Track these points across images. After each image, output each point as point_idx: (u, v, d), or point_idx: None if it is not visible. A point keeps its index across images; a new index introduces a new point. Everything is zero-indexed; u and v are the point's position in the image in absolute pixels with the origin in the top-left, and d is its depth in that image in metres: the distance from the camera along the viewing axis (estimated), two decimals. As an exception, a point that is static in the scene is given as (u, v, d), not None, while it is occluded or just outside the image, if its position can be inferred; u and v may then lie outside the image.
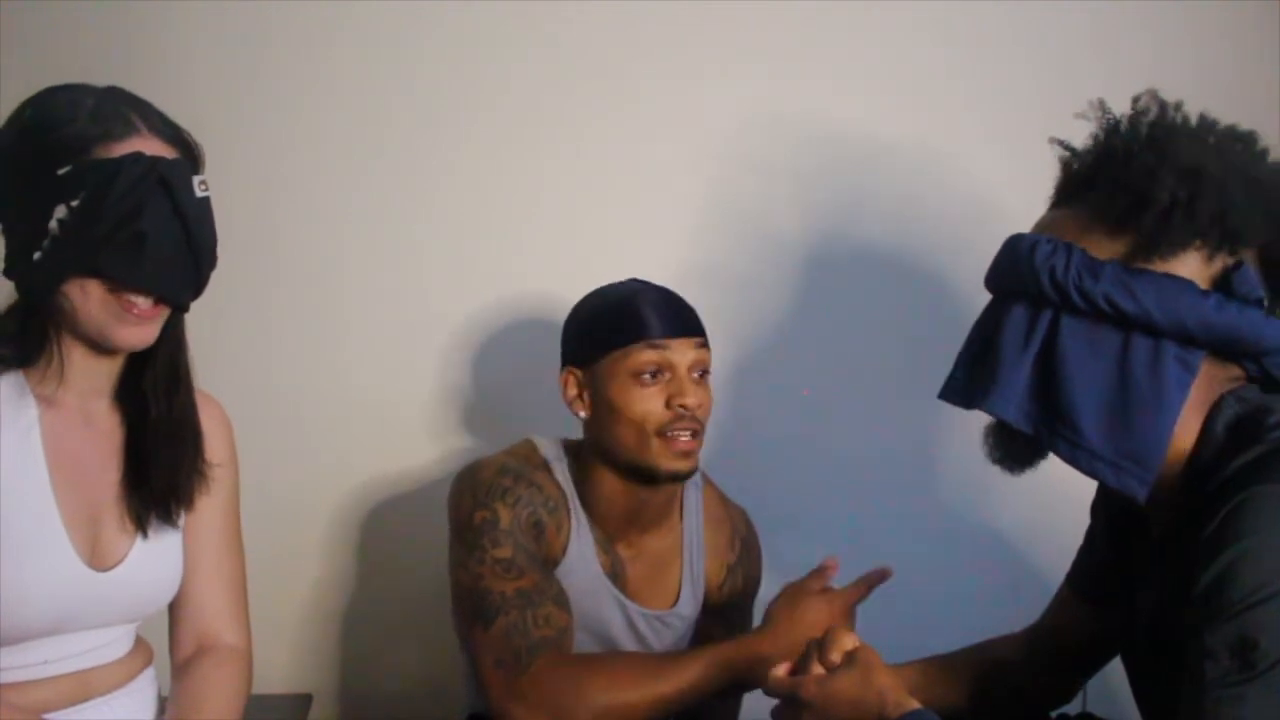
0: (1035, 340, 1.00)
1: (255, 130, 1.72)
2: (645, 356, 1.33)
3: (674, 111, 1.78)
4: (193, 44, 1.70)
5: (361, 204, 1.75)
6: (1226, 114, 1.82)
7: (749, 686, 1.30)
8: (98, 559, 1.05)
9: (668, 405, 1.32)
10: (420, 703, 1.79)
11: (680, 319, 1.36)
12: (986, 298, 1.10)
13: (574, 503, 1.39)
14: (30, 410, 1.03)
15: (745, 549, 1.53)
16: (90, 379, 1.07)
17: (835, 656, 1.06)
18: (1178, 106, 1.04)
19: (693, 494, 1.49)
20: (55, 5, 1.67)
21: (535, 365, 1.74)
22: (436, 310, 1.77)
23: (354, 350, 1.76)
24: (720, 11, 1.76)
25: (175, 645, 1.19)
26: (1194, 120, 1.02)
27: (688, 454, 1.34)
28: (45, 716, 1.03)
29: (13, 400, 1.02)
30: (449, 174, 1.76)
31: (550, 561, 1.36)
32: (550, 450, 1.43)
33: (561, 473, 1.40)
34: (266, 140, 1.72)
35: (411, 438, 1.79)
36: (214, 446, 1.18)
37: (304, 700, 1.63)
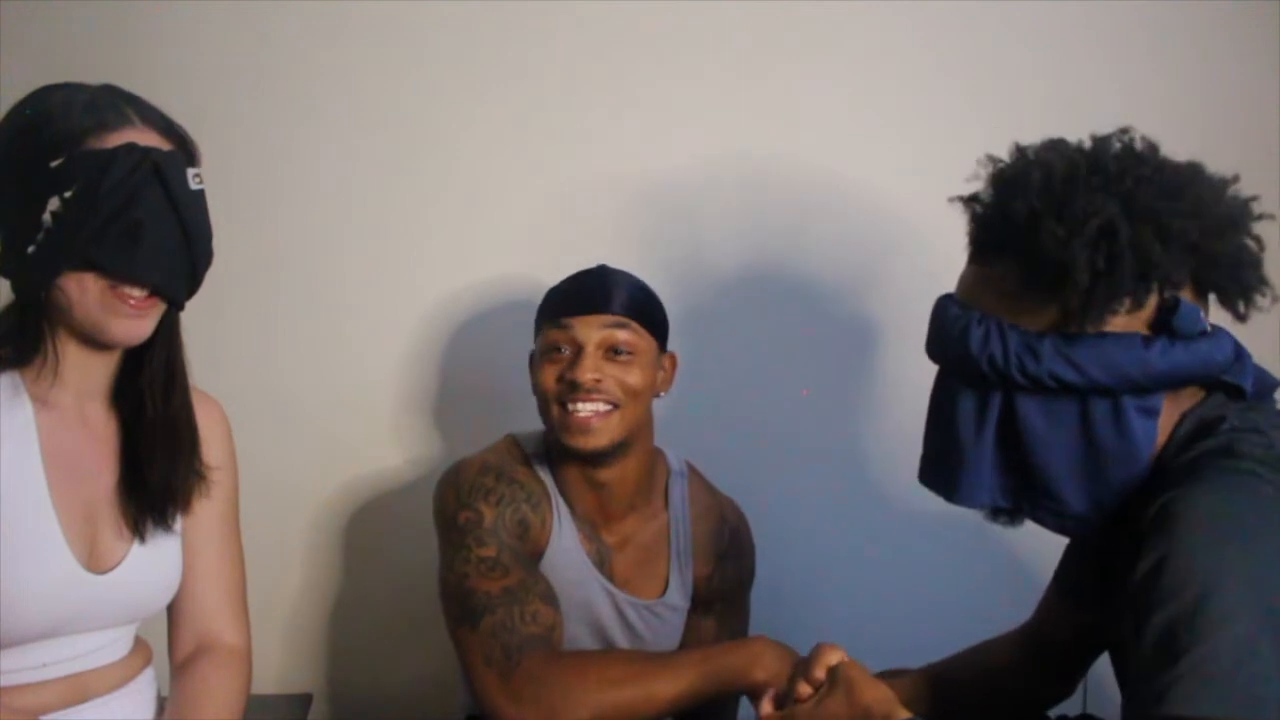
0: (991, 421, 0.98)
1: (254, 130, 1.72)
2: (551, 335, 1.38)
3: (673, 111, 1.77)
4: (192, 43, 1.70)
5: (359, 204, 1.75)
6: (1227, 113, 1.85)
7: (741, 693, 1.30)
8: (95, 561, 1.05)
9: (561, 379, 1.36)
10: (420, 703, 1.79)
11: (590, 298, 1.38)
12: None
13: (555, 494, 1.41)
14: (26, 410, 1.03)
15: (735, 539, 1.53)
16: (86, 378, 1.07)
17: (820, 673, 1.05)
18: (1079, 147, 1.00)
19: (678, 484, 1.50)
20: (55, 5, 1.67)
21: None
22: (435, 309, 1.77)
23: (354, 349, 1.76)
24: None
25: (174, 645, 1.19)
26: (1110, 148, 0.99)
27: (584, 430, 1.34)
28: (43, 718, 1.03)
29: (8, 400, 1.02)
30: (447, 173, 1.76)
31: (536, 556, 1.37)
32: (530, 444, 1.45)
33: (541, 466, 1.42)
34: (264, 140, 1.72)
35: (411, 437, 1.79)
36: (213, 448, 1.18)
37: (303, 700, 1.63)
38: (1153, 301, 0.93)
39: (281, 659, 1.77)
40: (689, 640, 1.49)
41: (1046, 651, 1.24)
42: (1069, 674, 1.27)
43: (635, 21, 1.76)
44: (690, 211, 1.78)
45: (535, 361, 1.41)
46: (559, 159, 1.77)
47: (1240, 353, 0.99)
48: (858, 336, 1.79)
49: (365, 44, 1.74)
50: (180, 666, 1.17)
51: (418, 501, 1.73)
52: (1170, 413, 0.97)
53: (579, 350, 1.36)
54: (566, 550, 1.39)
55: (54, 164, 0.98)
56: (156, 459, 1.10)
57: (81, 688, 1.07)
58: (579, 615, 1.39)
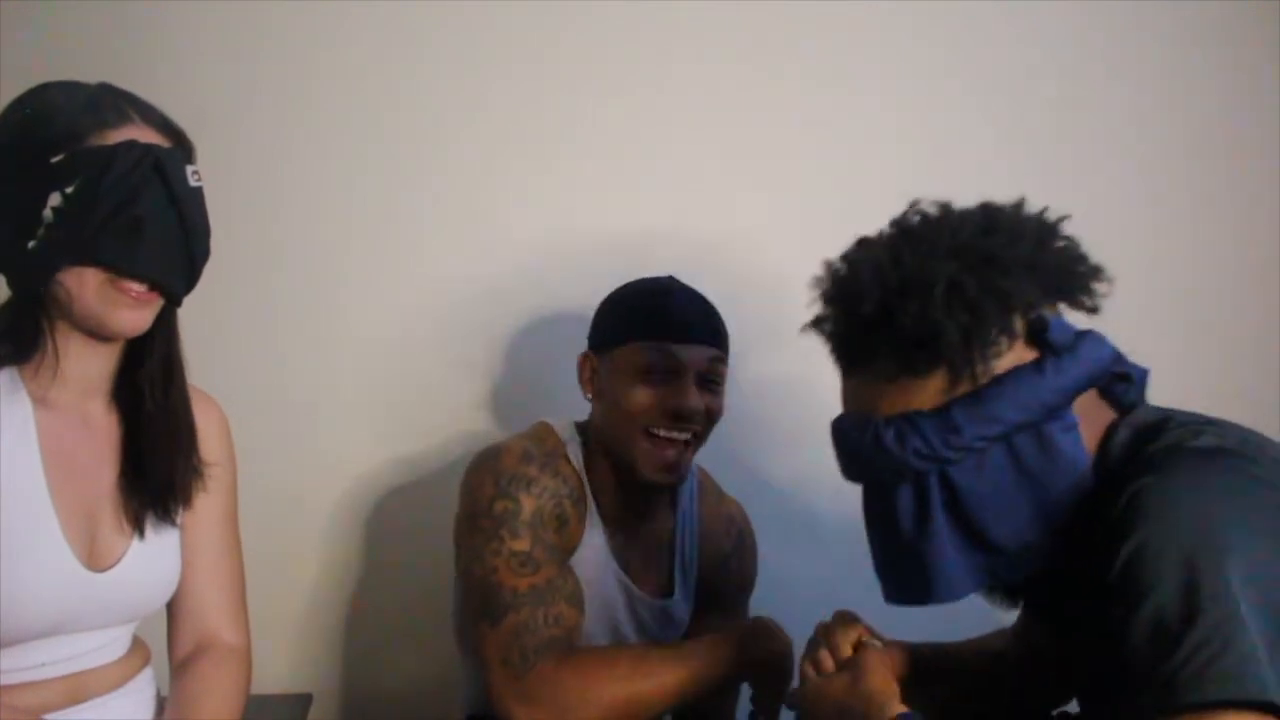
0: (936, 507, 0.97)
1: (254, 129, 1.72)
2: (648, 357, 1.33)
3: (672, 109, 1.78)
4: (192, 43, 1.71)
5: (359, 203, 1.75)
6: (1227, 113, 1.85)
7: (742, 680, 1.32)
8: (95, 559, 1.05)
9: (661, 405, 1.32)
10: (420, 703, 1.79)
11: (698, 326, 1.36)
12: None
13: (587, 487, 1.39)
14: (24, 407, 1.03)
15: (741, 541, 1.53)
16: (87, 374, 1.07)
17: (847, 651, 1.09)
18: (881, 236, 1.03)
19: (689, 484, 1.49)
20: (55, 5, 1.67)
21: (533, 359, 1.75)
22: (435, 308, 1.77)
23: (353, 348, 1.76)
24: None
25: (174, 644, 1.19)
26: (910, 221, 1.02)
27: (670, 468, 1.33)
28: (44, 717, 1.03)
29: (6, 397, 1.02)
30: (447, 172, 1.76)
31: (569, 551, 1.35)
32: (565, 432, 1.41)
33: (575, 456, 1.39)
34: (265, 138, 1.72)
35: (412, 437, 1.79)
36: (210, 445, 1.18)
37: (304, 700, 1.63)
38: (1022, 330, 0.96)
39: (281, 659, 1.77)
40: (691, 636, 1.48)
41: (1032, 653, 1.24)
42: (1056, 676, 1.26)
43: (637, 22, 1.76)
44: (693, 213, 1.78)
45: (616, 379, 1.35)
46: (559, 159, 1.77)
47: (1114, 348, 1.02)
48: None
49: (365, 44, 1.74)
50: (179, 666, 1.17)
51: (418, 501, 1.73)
52: (1090, 423, 0.98)
53: (680, 376, 1.33)
54: (596, 547, 1.37)
55: (55, 160, 0.98)
56: (156, 454, 1.11)
57: (81, 687, 1.06)
58: (597, 612, 1.37)
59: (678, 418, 1.32)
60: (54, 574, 1.01)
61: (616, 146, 1.77)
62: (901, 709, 0.98)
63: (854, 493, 1.07)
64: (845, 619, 1.15)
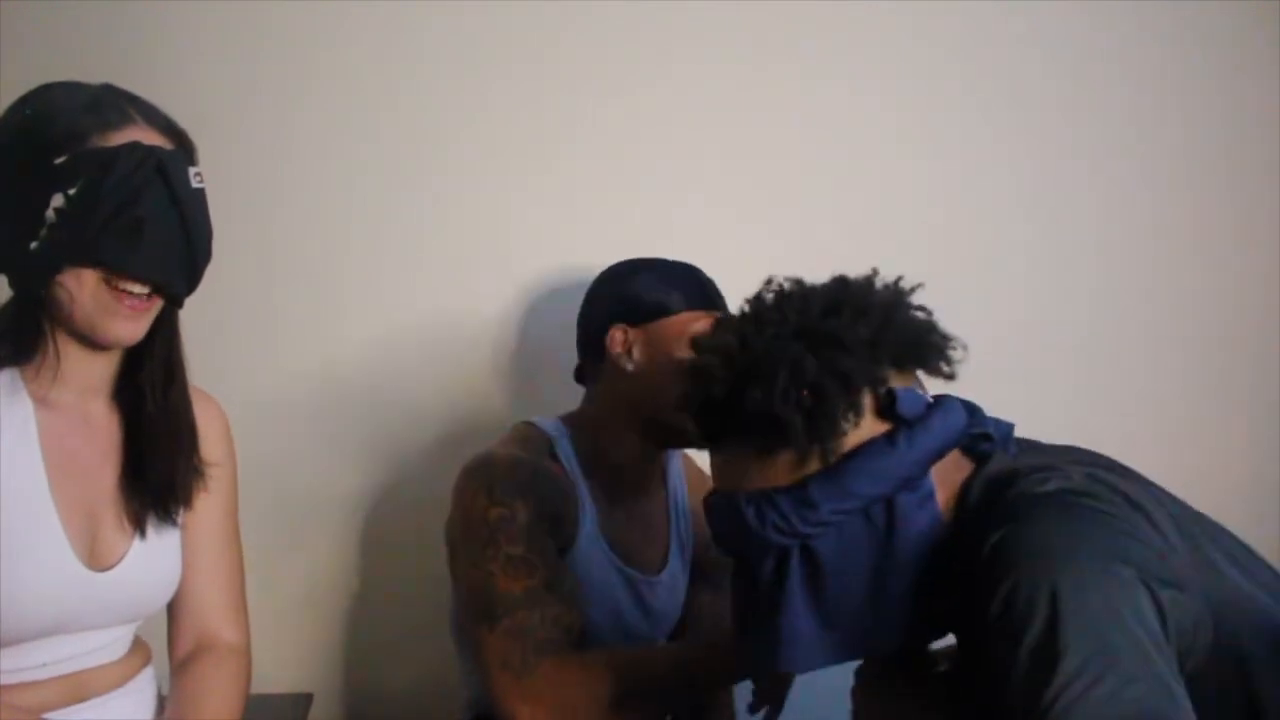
0: (794, 575, 0.99)
1: (253, 130, 1.71)
2: (703, 320, 1.39)
3: (669, 106, 1.78)
4: (191, 43, 1.70)
5: (358, 203, 1.75)
6: (1227, 113, 1.85)
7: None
8: (96, 559, 1.05)
9: None
10: (420, 702, 1.79)
11: (720, 295, 1.46)
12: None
13: (579, 480, 1.41)
14: (25, 407, 1.03)
15: None
16: (87, 376, 1.07)
17: None
18: (740, 314, 1.06)
19: (674, 460, 1.55)
20: (55, 5, 1.67)
21: (533, 358, 1.75)
22: (436, 308, 1.77)
23: (354, 349, 1.76)
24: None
25: (174, 644, 1.19)
26: (764, 301, 1.05)
27: None
28: (44, 716, 1.03)
29: (7, 398, 1.02)
30: (447, 173, 1.76)
31: (564, 547, 1.37)
32: (551, 428, 1.44)
33: (565, 449, 1.42)
34: (264, 138, 1.72)
35: (412, 437, 1.78)
36: (211, 445, 1.18)
37: (304, 700, 1.63)
38: (870, 404, 0.98)
39: (281, 659, 1.77)
40: (690, 613, 1.53)
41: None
42: None
43: (638, 21, 1.76)
44: (696, 211, 1.78)
45: (669, 346, 1.39)
46: (559, 159, 1.77)
47: (971, 408, 1.04)
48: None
49: (364, 44, 1.74)
50: (180, 665, 1.17)
51: (421, 502, 1.73)
52: (946, 484, 1.01)
53: None
54: (590, 538, 1.40)
55: (58, 161, 0.98)
56: (157, 454, 1.11)
57: (81, 686, 1.07)
58: (598, 600, 1.39)
59: None
60: (55, 574, 1.02)
61: (616, 147, 1.77)
62: None
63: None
64: None
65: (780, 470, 0.99)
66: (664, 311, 1.41)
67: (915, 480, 0.98)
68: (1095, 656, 0.82)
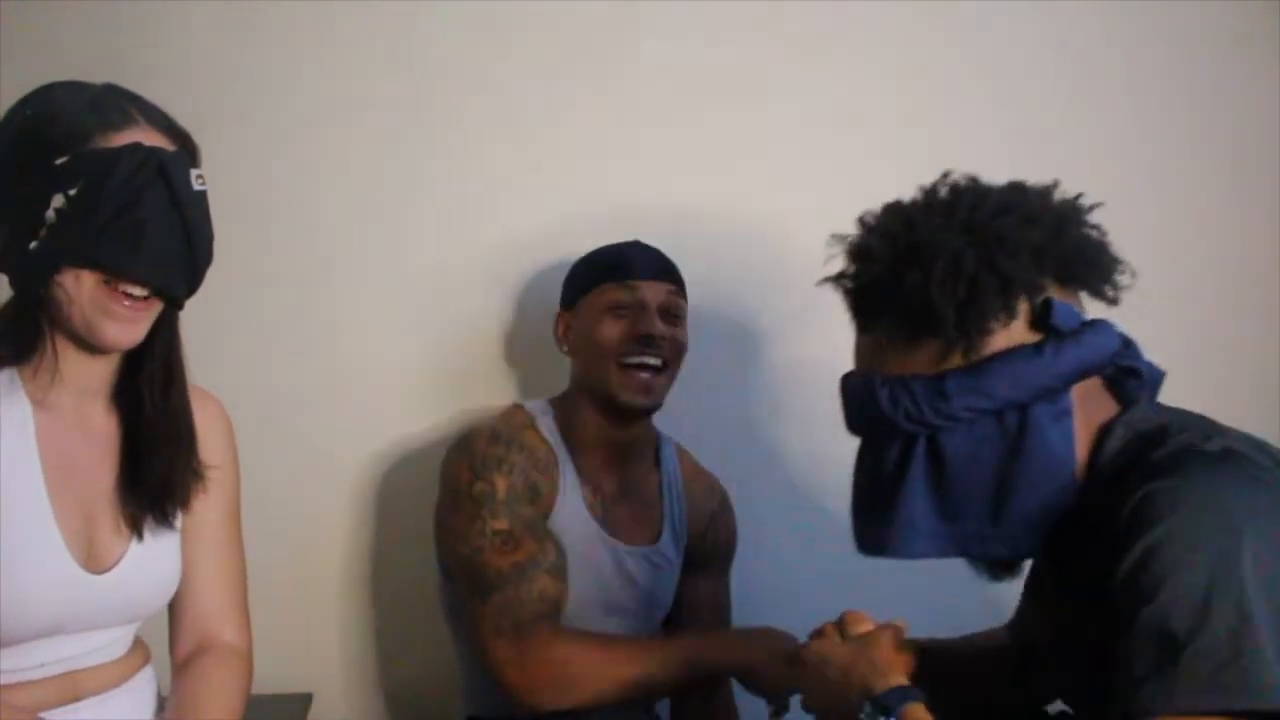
0: (918, 463, 1.00)
1: (251, 130, 1.72)
2: (614, 294, 1.47)
3: (668, 105, 1.78)
4: (190, 43, 1.71)
5: (357, 203, 1.75)
6: (1228, 113, 1.85)
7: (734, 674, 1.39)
8: (93, 561, 1.05)
9: (630, 334, 1.44)
10: (420, 703, 1.79)
11: (652, 265, 1.50)
12: None
13: (561, 453, 1.46)
14: (23, 408, 1.03)
15: (724, 502, 1.63)
16: (86, 377, 1.07)
17: (858, 629, 1.13)
18: (913, 201, 1.04)
19: (669, 447, 1.60)
20: (55, 5, 1.67)
21: (529, 350, 1.75)
22: (434, 307, 1.77)
23: (352, 349, 1.76)
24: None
25: (175, 644, 1.19)
26: (938, 192, 1.03)
27: (646, 390, 1.45)
28: (41, 716, 1.03)
29: (5, 398, 1.02)
30: (444, 172, 1.76)
31: (546, 515, 1.42)
32: (536, 407, 1.51)
33: (548, 426, 1.48)
34: (263, 137, 1.73)
35: (411, 436, 1.79)
36: (213, 446, 1.17)
37: (304, 700, 1.63)
38: (1025, 311, 0.97)
39: (281, 659, 1.76)
40: (689, 601, 1.57)
41: (1028, 647, 1.24)
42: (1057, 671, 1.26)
43: (630, 21, 1.77)
44: (682, 205, 1.78)
45: (588, 322, 1.47)
46: (555, 158, 1.78)
47: (1128, 340, 1.02)
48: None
49: (361, 44, 1.74)
50: (180, 665, 1.17)
51: (419, 501, 1.73)
52: (1088, 413, 0.99)
53: (643, 309, 1.45)
54: (572, 508, 1.45)
55: (59, 162, 0.98)
56: (155, 457, 1.10)
57: (78, 686, 1.06)
58: (582, 570, 1.43)
59: (646, 344, 1.43)
60: (52, 575, 1.01)
61: (611, 133, 1.78)
62: (903, 681, 1.00)
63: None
64: (857, 615, 1.17)
65: (922, 359, 0.99)
66: (583, 291, 1.50)
67: (1056, 393, 0.97)
68: (1236, 631, 0.79)
